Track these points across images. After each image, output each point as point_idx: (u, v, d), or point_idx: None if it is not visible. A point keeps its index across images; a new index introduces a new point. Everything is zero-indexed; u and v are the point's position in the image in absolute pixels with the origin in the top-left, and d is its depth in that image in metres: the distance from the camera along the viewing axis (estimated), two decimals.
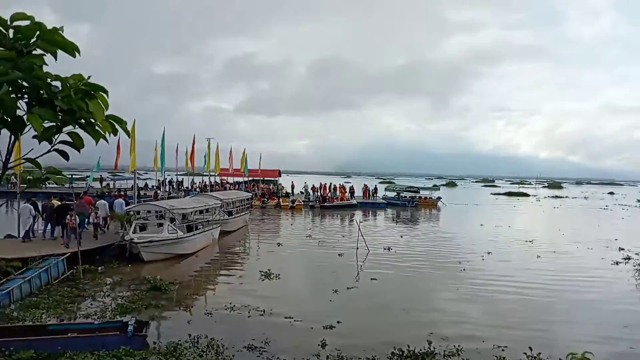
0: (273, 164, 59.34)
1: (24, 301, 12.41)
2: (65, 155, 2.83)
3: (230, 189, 45.78)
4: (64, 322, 10.62)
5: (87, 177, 34.30)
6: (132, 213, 21.18)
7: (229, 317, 12.15)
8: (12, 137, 2.65)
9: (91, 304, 12.69)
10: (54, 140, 2.73)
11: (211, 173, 45.92)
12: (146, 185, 54.23)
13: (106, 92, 2.75)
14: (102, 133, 2.78)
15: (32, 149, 2.77)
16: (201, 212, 25.54)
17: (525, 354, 9.74)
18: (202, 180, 51.99)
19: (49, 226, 20.46)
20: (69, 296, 13.24)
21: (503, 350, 10.30)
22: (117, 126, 2.86)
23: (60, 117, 2.65)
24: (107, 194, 32.77)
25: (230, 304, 13.02)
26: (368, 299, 14.68)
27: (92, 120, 2.73)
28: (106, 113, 2.77)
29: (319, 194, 51.44)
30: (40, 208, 20.96)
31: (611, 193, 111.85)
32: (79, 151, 2.82)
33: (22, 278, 13.25)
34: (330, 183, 56.52)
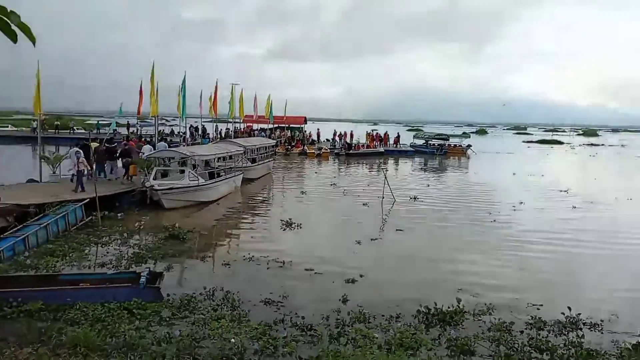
0: (300, 111, 58.39)
1: (39, 248, 12.16)
2: None
3: (256, 136, 45.17)
4: (76, 272, 10.30)
5: (110, 123, 33.94)
6: (153, 159, 20.75)
7: (248, 268, 11.69)
8: None
9: (107, 252, 12.36)
10: None
11: (235, 120, 45.18)
12: (172, 131, 53.99)
13: None
14: None
15: None
16: (224, 159, 25.06)
17: (564, 313, 8.97)
18: (227, 127, 51.39)
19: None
20: (85, 243, 12.96)
21: (538, 309, 9.56)
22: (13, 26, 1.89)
23: None
24: (161, 139, 31.84)
25: (250, 254, 12.54)
26: (393, 251, 14.04)
27: None
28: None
29: (344, 141, 50.47)
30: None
31: None
32: None
33: (38, 224, 12.99)
34: (351, 131, 55.30)
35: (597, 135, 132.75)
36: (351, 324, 8.49)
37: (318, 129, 57.93)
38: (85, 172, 18.30)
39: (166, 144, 26.34)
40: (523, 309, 9.60)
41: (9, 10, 1.87)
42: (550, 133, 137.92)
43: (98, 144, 22.32)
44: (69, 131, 52.45)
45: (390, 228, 16.88)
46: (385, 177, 22.58)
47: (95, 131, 43.62)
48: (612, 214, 20.51)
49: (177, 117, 35.35)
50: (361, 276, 11.19)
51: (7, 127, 58.70)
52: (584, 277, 12.41)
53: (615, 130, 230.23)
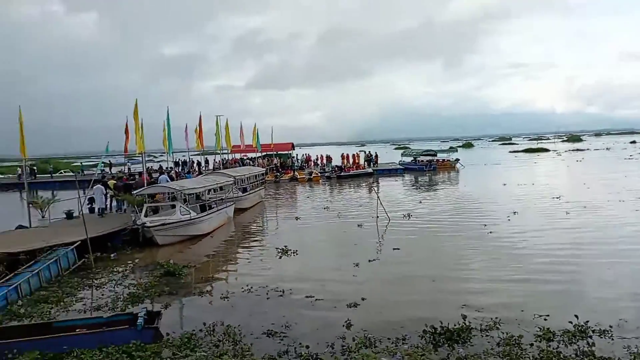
0: (287, 138, 58.45)
1: (32, 296, 11.85)
2: None
3: (250, 165, 45.23)
4: (71, 319, 10.00)
5: (97, 164, 33.97)
6: (143, 196, 20.51)
7: (247, 300, 11.46)
8: None
9: (102, 295, 12.08)
10: None
11: (223, 151, 45.11)
12: (160, 167, 53.80)
13: None
14: None
15: None
16: (215, 190, 24.90)
17: (571, 322, 8.84)
18: (216, 158, 51.26)
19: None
20: (79, 287, 12.69)
21: (545, 319, 9.41)
22: None
23: None
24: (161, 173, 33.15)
25: (248, 285, 12.32)
26: (392, 270, 13.86)
27: None
28: None
29: (334, 164, 50.71)
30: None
31: (633, 142, 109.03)
32: None
33: (30, 271, 12.70)
34: (345, 153, 55.82)
35: (581, 140, 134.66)
36: (357, 350, 8.27)
37: (307, 154, 58.11)
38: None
39: (167, 177, 26.91)
40: (530, 320, 9.45)
41: None
42: (535, 142, 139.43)
43: (115, 181, 24.70)
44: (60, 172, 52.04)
45: (387, 247, 16.73)
46: (378, 197, 22.53)
47: (80, 172, 43.50)
48: (606, 217, 20.52)
49: (164, 153, 35.20)
50: (363, 299, 11.00)
51: None
52: (587, 283, 12.28)
53: (597, 134, 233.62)
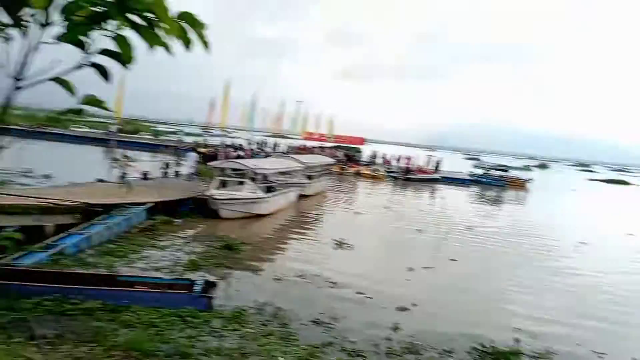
0: (361, 132, 57.90)
1: (101, 247, 12.61)
2: (104, 72, 1.72)
3: (319, 154, 45.58)
4: (134, 274, 10.57)
5: (180, 131, 35.70)
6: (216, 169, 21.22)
7: (298, 285, 11.65)
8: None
9: (163, 257, 12.65)
10: (87, 46, 1.64)
11: (297, 136, 45.88)
12: (232, 144, 55.40)
13: None
14: (163, 40, 1.68)
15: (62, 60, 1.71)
16: (282, 173, 25.34)
17: None
18: (288, 142, 52.09)
19: None
20: (144, 246, 13.35)
21: (600, 357, 8.96)
22: (190, 33, 1.71)
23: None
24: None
25: (301, 271, 12.52)
26: (446, 281, 13.61)
27: (152, 17, 1.62)
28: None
29: (402, 164, 50.06)
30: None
31: None
32: (125, 65, 1.69)
33: (103, 224, 13.53)
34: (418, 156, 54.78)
35: None
36: (402, 354, 8.25)
37: (374, 151, 57.78)
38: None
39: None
40: (585, 355, 9.02)
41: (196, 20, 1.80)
42: (617, 172, 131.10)
43: (205, 151, 28.10)
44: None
45: (443, 257, 16.41)
46: (442, 205, 22.11)
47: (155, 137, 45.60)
48: None
49: (238, 129, 36.34)
50: (414, 305, 10.89)
51: (82, 128, 62.07)
52: None
53: None
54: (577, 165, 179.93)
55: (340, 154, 52.45)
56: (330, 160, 35.89)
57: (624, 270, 17.04)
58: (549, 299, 12.87)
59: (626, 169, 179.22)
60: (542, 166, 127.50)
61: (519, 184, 51.02)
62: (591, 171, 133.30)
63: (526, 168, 59.91)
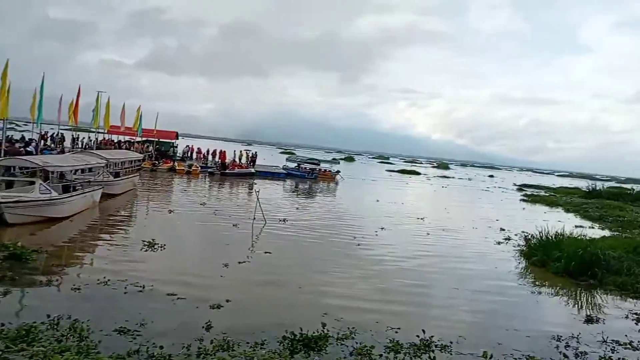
0: (173, 126, 55.00)
1: None
2: None
3: (127, 149, 42.41)
4: None
5: None
6: None
7: (102, 293, 10.69)
8: None
9: None
10: None
11: (99, 130, 42.08)
12: (22, 137, 48.61)
13: None
14: None
15: None
16: (83, 171, 23.10)
17: (418, 336, 9.52)
18: (90, 137, 47.45)
19: None
20: None
21: (397, 332, 10.00)
22: None
23: None
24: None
25: (105, 277, 11.49)
26: (261, 274, 13.87)
27: None
28: None
29: (218, 159, 49.69)
30: None
31: (491, 176, 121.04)
32: None
33: None
34: (234, 150, 54.84)
35: (448, 168, 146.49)
36: (214, 353, 8.10)
37: (191, 146, 56.21)
38: None
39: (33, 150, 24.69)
40: (383, 332, 9.97)
41: None
42: (410, 164, 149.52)
43: None
44: None
45: (259, 250, 16.70)
46: (258, 199, 22.49)
47: None
48: (458, 240, 22.59)
49: (30, 122, 32.07)
50: (227, 301, 10.83)
51: None
52: (435, 299, 13.31)
53: (463, 164, 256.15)
54: (377, 158, 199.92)
55: (151, 148, 49.79)
56: (139, 156, 33.91)
57: (417, 250, 19.35)
58: (354, 280, 14.00)
59: (417, 160, 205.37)
60: (349, 159, 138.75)
61: (329, 177, 54.74)
62: (390, 163, 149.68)
63: (335, 161, 64.42)
